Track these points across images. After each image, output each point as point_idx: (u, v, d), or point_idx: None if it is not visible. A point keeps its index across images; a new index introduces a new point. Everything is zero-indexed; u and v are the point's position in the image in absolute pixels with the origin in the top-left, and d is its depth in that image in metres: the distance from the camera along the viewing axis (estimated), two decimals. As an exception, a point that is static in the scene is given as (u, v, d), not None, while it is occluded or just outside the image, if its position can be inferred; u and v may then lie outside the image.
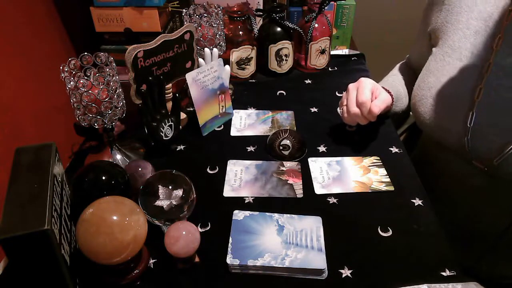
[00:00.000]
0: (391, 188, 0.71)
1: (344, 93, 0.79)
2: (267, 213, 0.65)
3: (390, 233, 0.63)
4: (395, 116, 0.90)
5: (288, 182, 0.73)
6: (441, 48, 0.74)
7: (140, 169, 0.68)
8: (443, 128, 0.71)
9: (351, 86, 0.77)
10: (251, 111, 0.94)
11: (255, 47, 1.03)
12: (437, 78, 0.72)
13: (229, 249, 0.59)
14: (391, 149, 0.81)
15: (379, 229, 0.64)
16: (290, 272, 0.58)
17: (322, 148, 0.81)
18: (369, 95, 0.73)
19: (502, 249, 0.76)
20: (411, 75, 0.91)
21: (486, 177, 0.69)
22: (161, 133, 0.76)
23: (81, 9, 0.95)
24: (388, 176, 0.74)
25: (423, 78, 0.76)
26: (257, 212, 0.66)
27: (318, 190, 0.72)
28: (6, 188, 0.52)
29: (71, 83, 0.64)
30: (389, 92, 0.81)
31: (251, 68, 1.05)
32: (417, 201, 0.69)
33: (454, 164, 0.75)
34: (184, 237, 0.55)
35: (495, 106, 0.65)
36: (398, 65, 0.97)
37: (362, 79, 0.76)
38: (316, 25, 1.03)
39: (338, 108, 0.81)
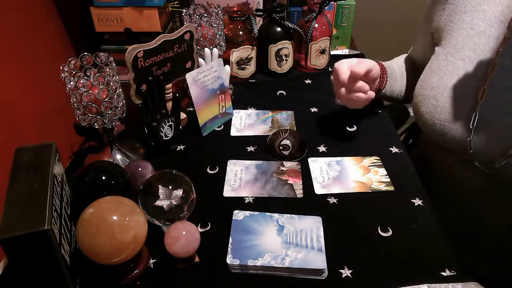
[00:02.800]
0: (391, 188, 0.71)
1: None
2: (267, 213, 0.65)
3: (390, 233, 0.63)
4: (394, 111, 0.90)
5: (288, 182, 0.73)
6: (444, 47, 0.73)
7: (140, 169, 0.68)
8: (445, 129, 0.70)
9: (331, 76, 0.78)
10: (251, 111, 0.94)
11: (255, 47, 1.03)
12: (440, 78, 0.71)
13: (229, 249, 0.59)
14: (391, 149, 0.81)
15: (379, 229, 0.64)
16: (290, 272, 0.58)
17: (322, 148, 0.81)
18: (346, 72, 0.73)
19: (502, 250, 0.76)
20: (411, 64, 0.92)
21: (486, 179, 0.69)
22: (161, 133, 0.76)
23: (81, 9, 0.95)
24: (388, 176, 0.74)
25: (425, 77, 0.75)
26: (257, 212, 0.66)
27: (318, 190, 0.72)
28: (6, 188, 0.52)
29: (71, 83, 0.64)
30: (378, 62, 0.83)
31: (251, 68, 1.05)
32: (417, 201, 0.69)
33: (453, 166, 0.75)
34: (184, 237, 0.55)
35: (499, 107, 0.65)
36: (399, 56, 0.97)
37: (336, 63, 0.76)
38: (316, 25, 1.03)
39: (336, 100, 0.82)
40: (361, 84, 0.73)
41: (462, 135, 0.67)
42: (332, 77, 0.78)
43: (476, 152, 0.67)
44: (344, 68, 0.74)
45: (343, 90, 0.75)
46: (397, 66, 0.90)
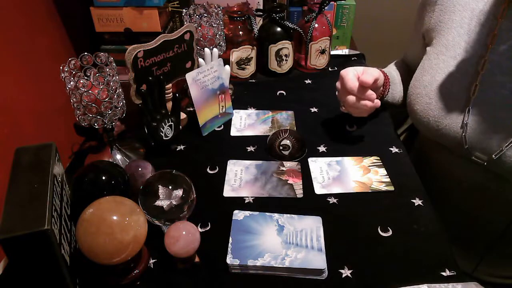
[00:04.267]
0: (391, 188, 0.71)
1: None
2: (267, 213, 0.65)
3: (390, 233, 0.63)
4: (396, 113, 0.90)
5: (288, 182, 0.73)
6: (435, 47, 0.74)
7: (140, 169, 0.68)
8: (439, 126, 0.71)
9: (337, 83, 0.78)
10: (251, 111, 0.94)
11: (255, 47, 1.03)
12: (432, 77, 0.72)
13: (229, 249, 0.59)
14: (391, 149, 0.81)
15: (379, 229, 0.64)
16: (290, 272, 0.58)
17: (322, 148, 0.81)
18: (354, 80, 0.73)
19: (502, 249, 0.76)
20: (405, 68, 0.92)
21: (483, 174, 0.70)
22: (161, 133, 0.76)
23: (81, 9, 0.95)
24: (388, 176, 0.74)
25: (417, 76, 0.76)
26: (257, 212, 0.66)
27: (318, 190, 0.72)
28: (6, 188, 0.52)
29: (71, 83, 0.64)
30: (381, 70, 0.83)
31: (251, 68, 1.05)
32: (417, 201, 0.69)
33: (451, 163, 0.75)
34: (184, 237, 0.55)
35: (491, 102, 0.66)
36: (390, 64, 0.98)
37: (342, 71, 0.76)
38: (316, 25, 1.03)
39: (341, 107, 0.82)
40: (369, 92, 0.73)
41: (456, 130, 0.68)
42: (338, 84, 0.77)
43: (471, 147, 0.67)
44: (351, 75, 0.74)
45: (350, 98, 0.74)
46: (395, 72, 0.91)
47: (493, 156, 0.65)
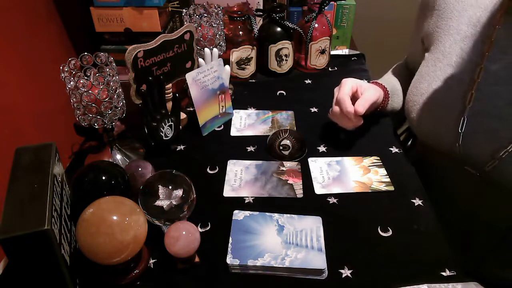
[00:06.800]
0: (391, 188, 0.71)
1: None
2: (267, 213, 0.65)
3: (390, 233, 0.63)
4: (396, 114, 0.90)
5: (288, 182, 0.73)
6: (432, 53, 0.74)
7: (140, 169, 0.68)
8: (435, 134, 0.71)
9: (335, 88, 0.78)
10: (251, 111, 0.94)
11: (255, 47, 1.03)
12: (429, 84, 0.72)
13: (229, 249, 0.59)
14: (391, 149, 0.81)
15: (379, 229, 0.64)
16: (290, 272, 0.58)
17: (322, 148, 0.81)
18: (346, 92, 0.74)
19: (502, 250, 0.76)
20: (407, 75, 0.91)
21: (481, 182, 0.69)
22: (161, 133, 0.76)
23: (81, 9, 0.95)
24: (388, 176, 0.74)
25: (415, 83, 0.76)
26: (257, 212, 0.66)
27: (318, 190, 0.72)
28: (6, 188, 0.52)
29: (71, 83, 0.64)
30: (383, 87, 0.82)
31: (251, 68, 1.05)
32: (417, 201, 0.69)
33: (448, 168, 0.75)
34: (184, 237, 0.55)
35: (486, 111, 0.65)
36: (393, 67, 0.97)
37: (344, 79, 0.77)
38: (316, 25, 1.03)
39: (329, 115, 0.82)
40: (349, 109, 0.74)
41: (452, 139, 0.68)
42: (336, 108, 0.77)
43: (466, 156, 0.67)
44: (346, 88, 0.75)
45: (335, 107, 0.76)
46: (395, 80, 0.90)
47: (486, 166, 0.65)
